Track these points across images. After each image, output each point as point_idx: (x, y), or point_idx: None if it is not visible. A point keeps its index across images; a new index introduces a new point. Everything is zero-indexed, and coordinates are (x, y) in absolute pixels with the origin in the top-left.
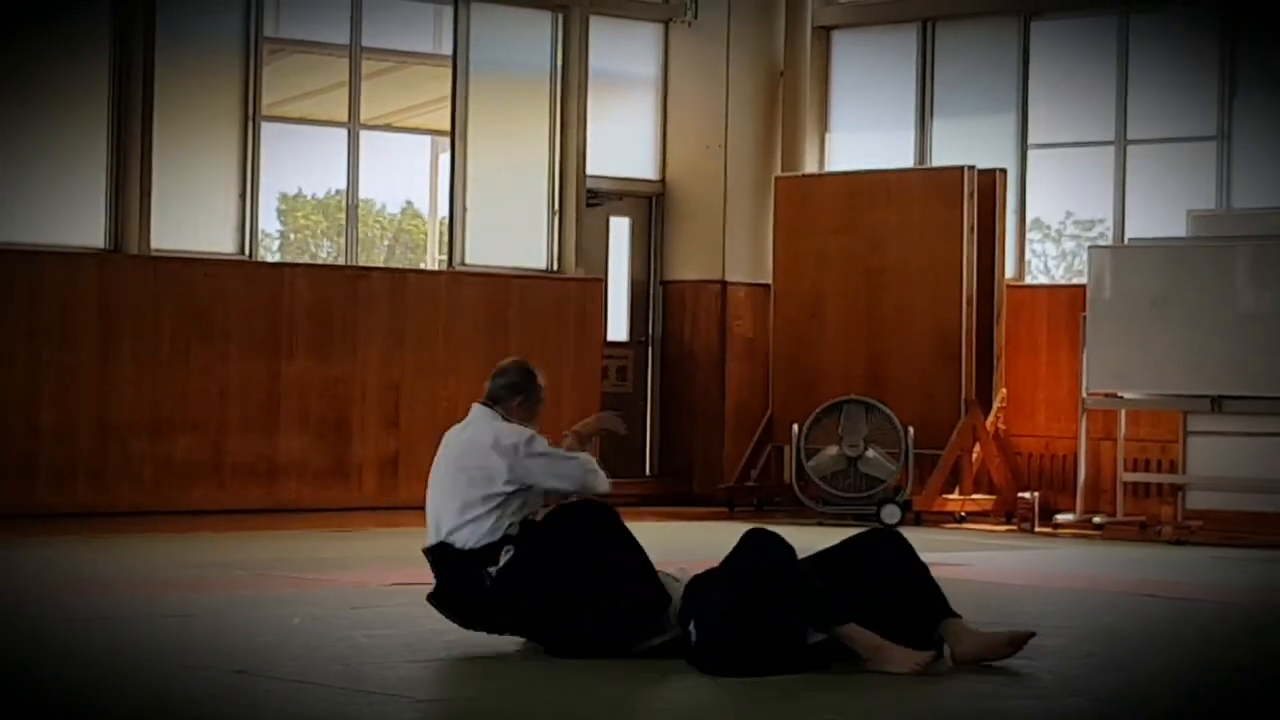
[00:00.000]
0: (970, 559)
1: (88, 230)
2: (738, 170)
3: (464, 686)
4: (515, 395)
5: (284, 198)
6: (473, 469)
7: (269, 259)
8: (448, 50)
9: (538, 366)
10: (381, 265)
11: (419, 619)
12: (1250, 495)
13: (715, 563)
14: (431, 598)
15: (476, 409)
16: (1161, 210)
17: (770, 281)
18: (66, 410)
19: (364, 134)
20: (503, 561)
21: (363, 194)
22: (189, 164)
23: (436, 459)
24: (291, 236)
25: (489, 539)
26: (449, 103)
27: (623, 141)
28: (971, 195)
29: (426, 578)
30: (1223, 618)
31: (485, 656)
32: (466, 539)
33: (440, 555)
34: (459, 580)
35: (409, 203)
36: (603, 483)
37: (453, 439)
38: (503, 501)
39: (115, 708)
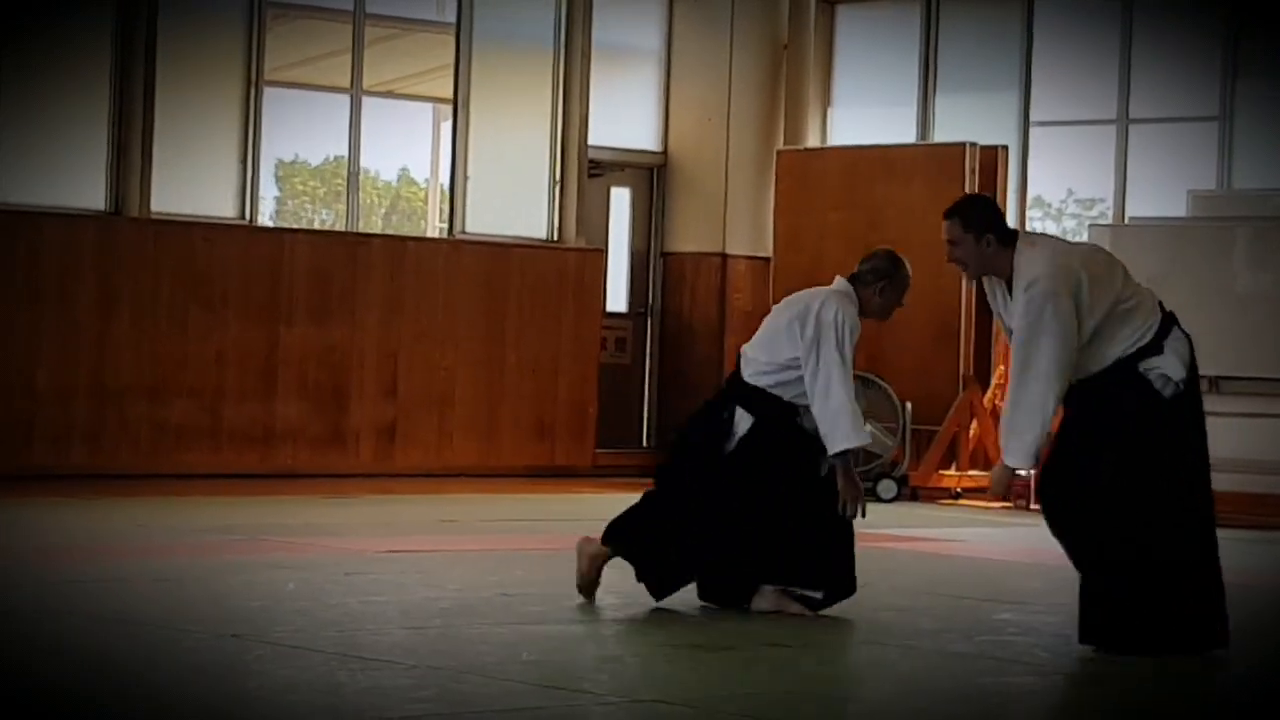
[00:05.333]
0: (966, 535)
1: (88, 193)
2: (739, 143)
3: (457, 653)
4: (879, 280)
5: (281, 164)
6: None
7: (268, 224)
8: (451, 18)
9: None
10: (382, 233)
11: (413, 586)
12: (1247, 476)
13: None
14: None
15: (838, 280)
16: (1162, 190)
17: (770, 255)
18: (64, 373)
19: (366, 100)
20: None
21: (362, 161)
22: (190, 128)
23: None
24: (288, 203)
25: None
26: (451, 71)
27: (625, 113)
28: (973, 172)
29: (420, 546)
30: None
31: (479, 623)
32: (778, 390)
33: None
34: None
35: (405, 170)
36: (857, 434)
37: (797, 296)
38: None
39: (108, 670)
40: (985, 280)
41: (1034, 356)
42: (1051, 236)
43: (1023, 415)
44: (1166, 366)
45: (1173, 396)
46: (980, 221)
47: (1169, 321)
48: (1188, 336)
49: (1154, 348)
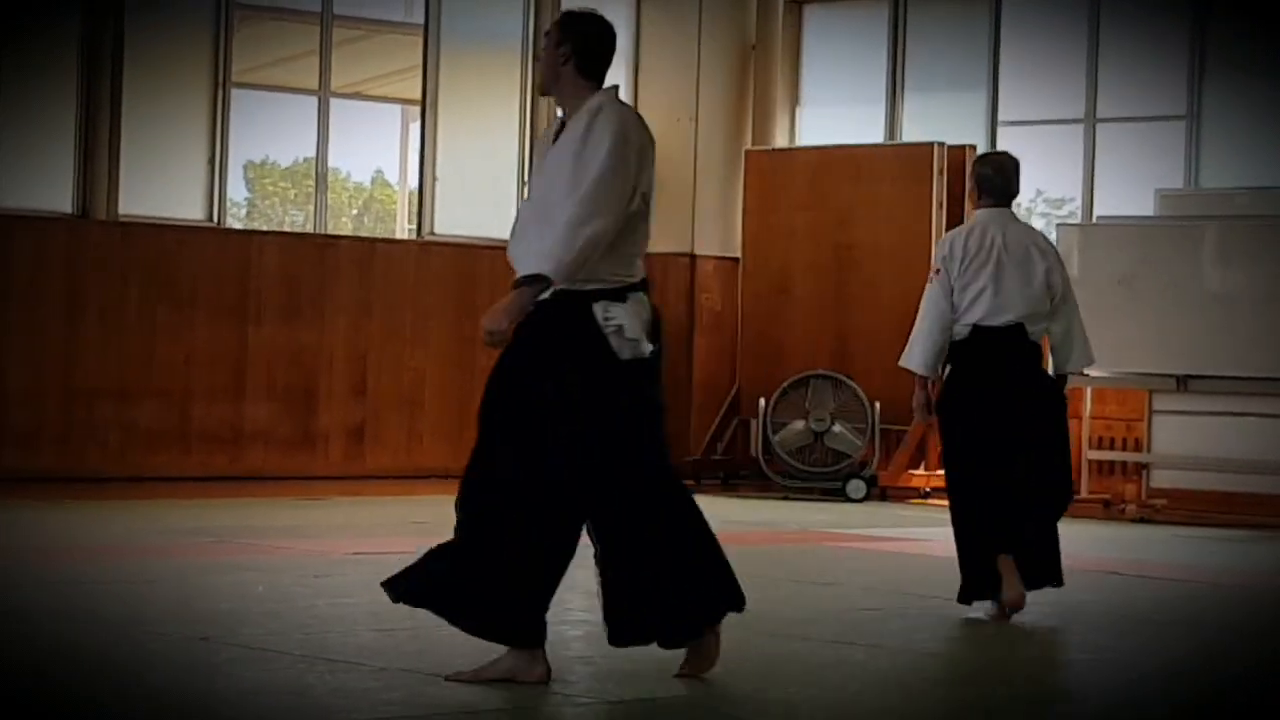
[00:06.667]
0: (934, 535)
1: (56, 195)
2: (708, 143)
3: (426, 655)
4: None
5: (251, 165)
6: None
7: (237, 226)
8: (419, 19)
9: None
10: (350, 234)
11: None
12: (1214, 474)
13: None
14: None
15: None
16: (1130, 189)
17: (739, 255)
18: (33, 375)
19: (334, 102)
20: None
21: (332, 162)
22: (158, 129)
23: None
24: (259, 204)
25: None
26: (420, 72)
27: None
28: (941, 172)
29: (389, 548)
30: (1183, 594)
31: (448, 625)
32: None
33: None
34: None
35: (379, 172)
36: None
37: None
38: None
39: (76, 673)
40: (544, 134)
41: (584, 176)
42: None
43: (559, 229)
44: (625, 320)
45: (628, 362)
46: (574, 36)
47: (644, 280)
48: (654, 308)
49: (620, 293)
